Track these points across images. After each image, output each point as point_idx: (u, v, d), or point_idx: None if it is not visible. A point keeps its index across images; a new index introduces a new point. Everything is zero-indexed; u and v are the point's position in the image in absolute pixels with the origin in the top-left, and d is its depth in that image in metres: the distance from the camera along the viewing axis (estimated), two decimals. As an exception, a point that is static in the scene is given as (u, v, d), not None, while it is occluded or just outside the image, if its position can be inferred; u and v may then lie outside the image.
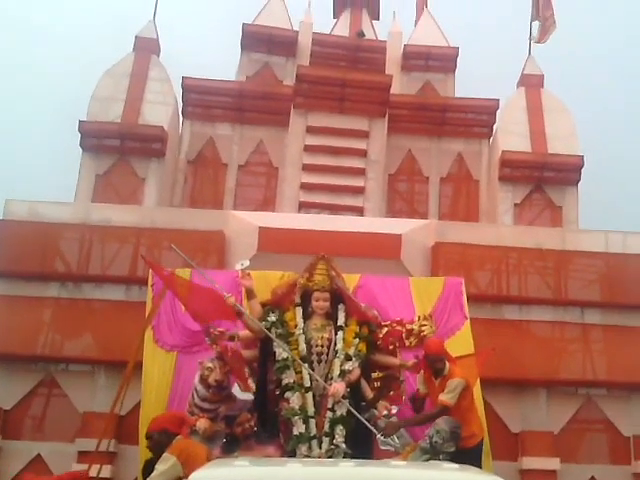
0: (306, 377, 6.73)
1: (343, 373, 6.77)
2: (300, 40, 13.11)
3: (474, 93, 12.56)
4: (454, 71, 13.22)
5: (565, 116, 11.93)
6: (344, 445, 6.57)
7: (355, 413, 6.59)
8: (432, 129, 12.25)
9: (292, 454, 6.51)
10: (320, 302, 6.98)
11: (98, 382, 9.10)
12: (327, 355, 6.85)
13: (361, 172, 11.30)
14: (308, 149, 11.34)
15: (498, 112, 12.20)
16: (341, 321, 7.02)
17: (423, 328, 7.34)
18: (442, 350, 6.77)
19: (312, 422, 6.60)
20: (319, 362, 6.83)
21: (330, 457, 6.47)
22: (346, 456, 6.49)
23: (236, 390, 6.93)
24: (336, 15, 14.16)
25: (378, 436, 6.53)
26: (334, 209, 10.97)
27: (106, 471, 8.12)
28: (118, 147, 11.19)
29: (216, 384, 6.72)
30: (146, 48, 12.13)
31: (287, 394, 6.70)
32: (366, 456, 6.24)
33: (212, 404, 6.78)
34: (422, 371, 6.94)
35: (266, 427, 6.78)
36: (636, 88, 21.48)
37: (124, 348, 7.49)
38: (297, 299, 7.09)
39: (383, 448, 6.57)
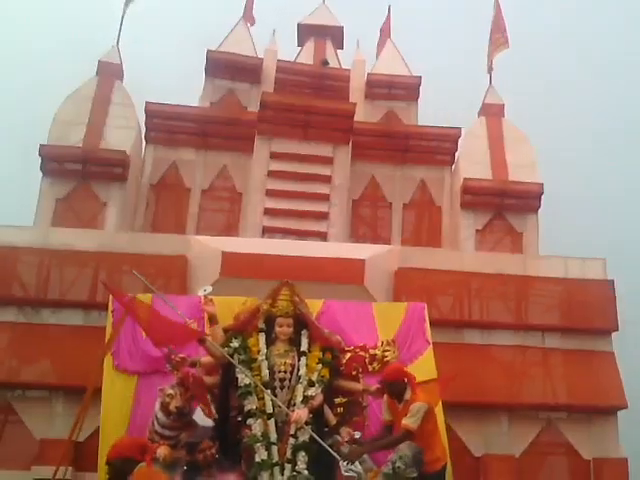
0: (268, 403, 6.66)
1: (306, 399, 6.71)
2: (265, 67, 13.23)
3: (436, 121, 12.77)
4: (417, 99, 13.44)
5: (525, 145, 12.18)
6: (306, 472, 6.49)
7: (318, 439, 6.52)
8: (395, 156, 12.40)
9: (254, 482, 6.40)
10: (284, 328, 6.96)
11: (55, 408, 8.96)
12: (290, 381, 6.80)
13: (325, 198, 11.34)
14: (272, 175, 11.36)
15: (460, 140, 12.40)
16: (304, 347, 6.98)
17: (386, 353, 7.38)
18: (401, 376, 6.73)
19: (274, 449, 6.53)
20: (282, 388, 6.78)
21: (292, 484, 6.38)
22: (309, 483, 6.41)
23: (197, 416, 6.82)
24: (300, 43, 14.31)
25: (341, 462, 6.47)
26: (298, 234, 10.96)
27: (64, 500, 7.92)
28: (79, 171, 11.09)
29: (177, 411, 6.61)
30: (109, 72, 12.12)
31: (249, 421, 6.62)
32: (329, 483, 6.17)
33: (173, 431, 6.65)
34: (386, 397, 6.92)
35: (228, 454, 6.68)
36: (597, 116, 22.10)
37: (82, 374, 7.37)
38: (260, 325, 7.05)
39: (346, 474, 6.50)
